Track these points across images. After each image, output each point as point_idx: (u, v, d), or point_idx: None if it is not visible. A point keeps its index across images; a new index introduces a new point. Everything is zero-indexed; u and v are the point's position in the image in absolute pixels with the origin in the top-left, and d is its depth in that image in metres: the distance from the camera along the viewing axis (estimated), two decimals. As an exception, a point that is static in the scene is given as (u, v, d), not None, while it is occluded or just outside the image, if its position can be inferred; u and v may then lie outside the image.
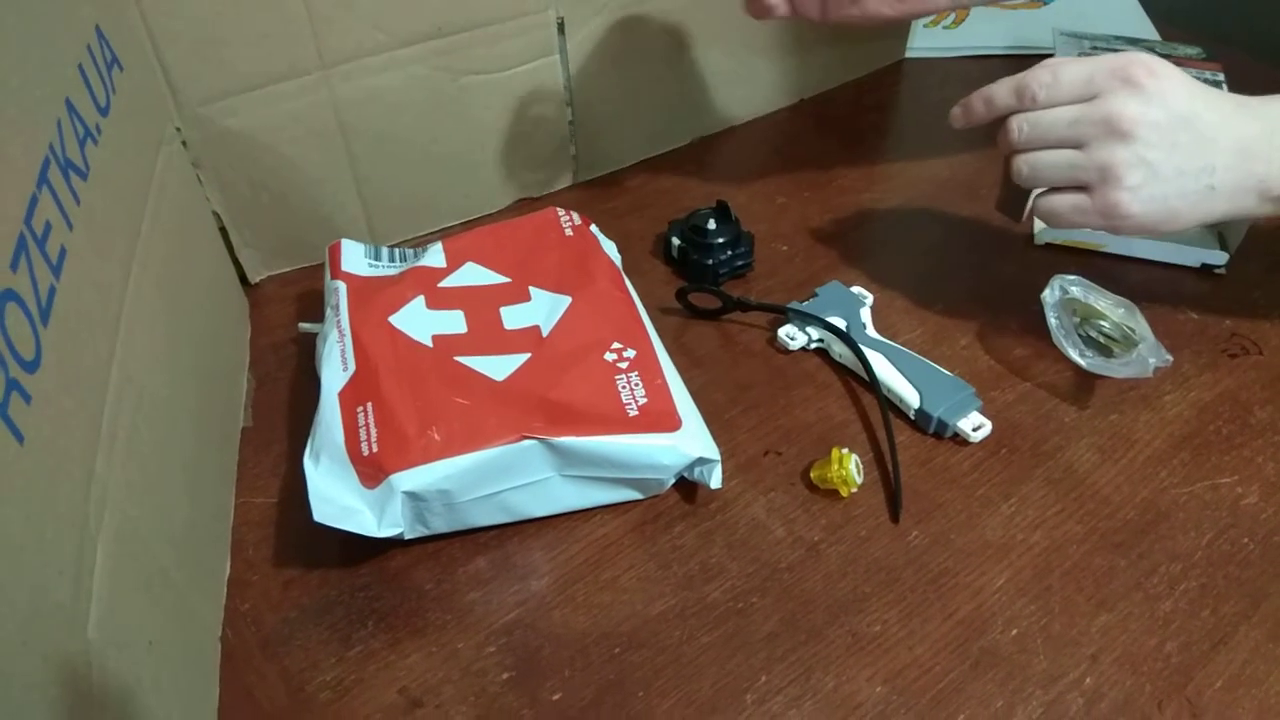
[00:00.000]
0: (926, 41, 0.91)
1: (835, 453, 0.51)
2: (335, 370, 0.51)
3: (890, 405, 0.56)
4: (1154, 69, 0.49)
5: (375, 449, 0.46)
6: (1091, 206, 0.51)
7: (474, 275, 0.57)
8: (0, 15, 0.35)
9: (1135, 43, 0.79)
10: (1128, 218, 0.50)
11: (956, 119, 0.55)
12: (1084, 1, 0.96)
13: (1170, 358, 0.55)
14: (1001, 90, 0.53)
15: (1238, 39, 0.66)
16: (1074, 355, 0.55)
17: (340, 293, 0.55)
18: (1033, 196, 0.54)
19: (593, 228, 0.62)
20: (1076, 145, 0.50)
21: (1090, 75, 0.50)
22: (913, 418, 0.55)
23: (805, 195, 0.73)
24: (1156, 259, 0.65)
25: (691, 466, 0.49)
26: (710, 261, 0.64)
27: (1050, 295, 0.57)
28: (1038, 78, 0.51)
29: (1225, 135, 0.50)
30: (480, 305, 0.55)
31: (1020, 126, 0.52)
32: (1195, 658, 0.45)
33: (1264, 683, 0.44)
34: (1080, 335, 0.56)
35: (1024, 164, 0.52)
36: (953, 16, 0.94)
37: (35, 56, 0.38)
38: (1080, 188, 0.51)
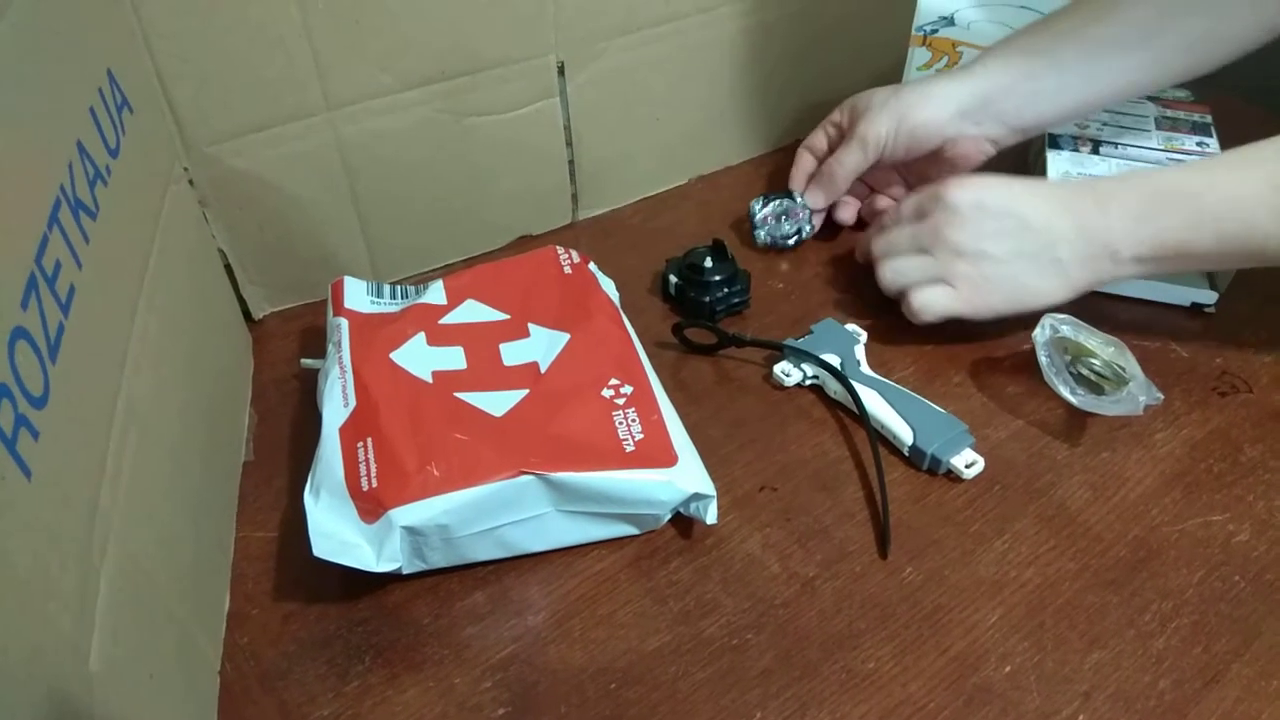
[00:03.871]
0: (921, 83, 0.92)
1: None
2: (336, 406, 0.52)
3: (884, 441, 0.57)
4: (963, 183, 0.59)
5: (375, 484, 0.47)
6: (960, 297, 0.59)
7: (474, 312, 0.58)
8: (15, 61, 0.36)
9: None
10: (989, 299, 0.59)
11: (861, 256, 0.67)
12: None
13: (1161, 396, 0.55)
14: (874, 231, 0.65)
15: (1226, 82, 0.67)
16: (1065, 393, 0.56)
17: (342, 329, 0.56)
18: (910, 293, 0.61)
19: (591, 265, 0.63)
20: (925, 253, 0.60)
21: (917, 200, 0.61)
22: (907, 454, 0.56)
23: (801, 234, 0.74)
24: (1147, 298, 0.66)
25: (687, 502, 0.50)
26: (707, 299, 0.65)
27: (1041, 334, 0.58)
28: (890, 213, 0.64)
29: (1059, 220, 0.57)
30: (480, 342, 0.56)
31: (877, 242, 0.63)
32: (1188, 695, 0.45)
33: (1256, 720, 0.44)
34: (1071, 373, 0.57)
35: (888, 270, 0.62)
36: (946, 59, 0.95)
37: (48, 100, 0.39)
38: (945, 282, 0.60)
